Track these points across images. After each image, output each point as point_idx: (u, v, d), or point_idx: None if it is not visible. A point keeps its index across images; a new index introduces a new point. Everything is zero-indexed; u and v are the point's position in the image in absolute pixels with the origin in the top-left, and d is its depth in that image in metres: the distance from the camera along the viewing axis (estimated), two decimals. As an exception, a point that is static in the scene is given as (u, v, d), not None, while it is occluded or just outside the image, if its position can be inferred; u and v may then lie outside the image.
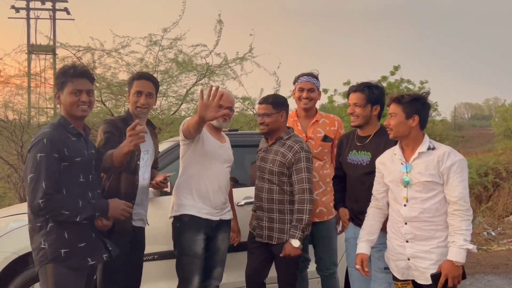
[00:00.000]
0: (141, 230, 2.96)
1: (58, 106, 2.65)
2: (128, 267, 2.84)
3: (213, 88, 2.60)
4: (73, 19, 21.53)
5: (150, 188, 3.05)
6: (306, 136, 3.34)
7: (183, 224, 2.96)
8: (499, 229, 8.17)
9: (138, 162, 2.80)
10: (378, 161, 2.74)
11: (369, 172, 2.84)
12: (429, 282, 2.43)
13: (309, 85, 3.37)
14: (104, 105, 8.13)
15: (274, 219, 3.03)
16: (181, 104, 8.57)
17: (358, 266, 2.66)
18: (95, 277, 2.62)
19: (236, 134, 3.98)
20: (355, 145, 3.03)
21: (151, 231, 3.08)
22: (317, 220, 3.28)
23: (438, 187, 2.44)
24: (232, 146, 3.25)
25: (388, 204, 2.69)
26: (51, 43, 10.34)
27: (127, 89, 3.06)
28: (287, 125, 3.18)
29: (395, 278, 2.65)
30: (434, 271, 2.42)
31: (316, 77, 3.42)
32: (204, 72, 8.31)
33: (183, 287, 2.95)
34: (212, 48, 8.16)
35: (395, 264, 2.62)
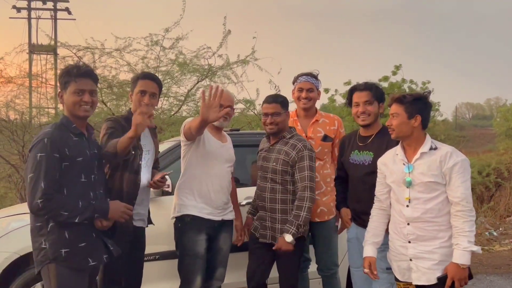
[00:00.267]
0: (142, 230, 2.95)
1: (61, 105, 2.64)
2: (128, 267, 2.83)
3: (213, 88, 2.59)
4: (74, 19, 21.58)
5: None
6: (306, 136, 3.33)
7: (185, 225, 2.96)
8: (501, 229, 8.15)
9: (140, 162, 2.80)
10: (380, 162, 2.72)
11: (371, 172, 2.83)
12: (431, 282, 2.42)
13: (308, 85, 3.36)
14: (105, 105, 8.13)
15: (276, 219, 3.02)
16: (181, 105, 8.57)
17: (366, 270, 2.65)
18: (97, 278, 2.62)
19: (237, 134, 3.98)
20: (357, 145, 3.02)
21: (153, 231, 3.07)
22: (318, 220, 3.28)
23: (441, 187, 2.43)
24: (233, 146, 3.24)
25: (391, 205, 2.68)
26: (52, 42, 10.30)
27: (128, 89, 3.05)
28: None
29: (397, 279, 2.64)
30: (436, 271, 2.41)
31: (315, 77, 3.42)
32: (205, 73, 8.31)
33: (185, 288, 2.94)
34: (215, 50, 8.21)
35: (397, 265, 2.61)
